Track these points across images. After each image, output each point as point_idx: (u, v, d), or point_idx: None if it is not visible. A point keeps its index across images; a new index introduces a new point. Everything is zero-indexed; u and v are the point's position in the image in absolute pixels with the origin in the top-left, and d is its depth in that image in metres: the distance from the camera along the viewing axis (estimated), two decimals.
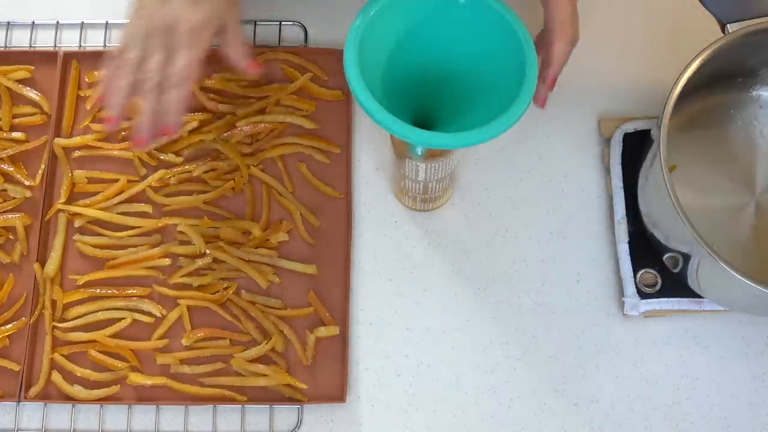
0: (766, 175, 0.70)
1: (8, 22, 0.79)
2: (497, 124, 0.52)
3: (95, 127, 0.75)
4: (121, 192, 0.73)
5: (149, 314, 0.70)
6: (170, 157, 0.74)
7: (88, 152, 0.75)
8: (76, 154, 0.75)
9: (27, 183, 0.74)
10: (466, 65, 0.58)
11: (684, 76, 0.62)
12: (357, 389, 0.69)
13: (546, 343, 0.69)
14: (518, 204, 0.73)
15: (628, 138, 0.72)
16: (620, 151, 0.72)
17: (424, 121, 0.59)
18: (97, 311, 0.70)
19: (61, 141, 0.74)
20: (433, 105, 0.60)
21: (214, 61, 0.76)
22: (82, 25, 0.79)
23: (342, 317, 0.70)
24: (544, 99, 0.65)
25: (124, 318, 0.70)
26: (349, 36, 0.53)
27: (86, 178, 0.74)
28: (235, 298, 0.70)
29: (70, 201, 0.73)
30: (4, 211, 0.73)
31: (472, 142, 0.52)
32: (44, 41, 0.79)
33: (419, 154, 0.60)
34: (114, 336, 0.70)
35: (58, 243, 0.72)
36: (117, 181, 0.73)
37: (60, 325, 0.70)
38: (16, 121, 0.76)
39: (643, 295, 0.69)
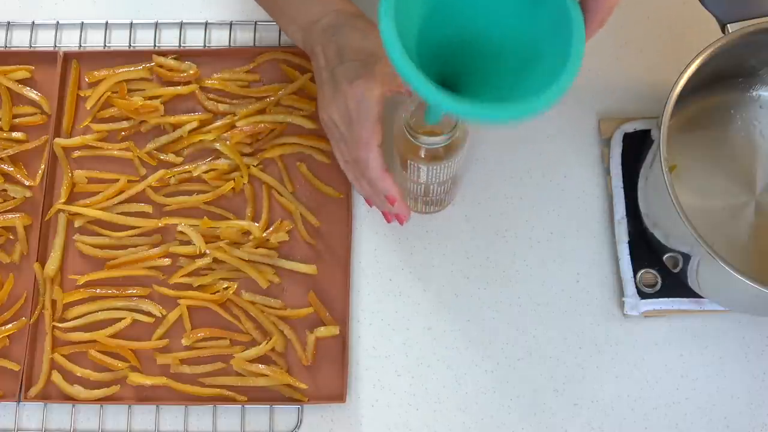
0: (766, 175, 0.70)
1: (8, 22, 0.79)
2: (545, 96, 0.46)
3: (95, 127, 0.75)
4: (121, 192, 0.73)
5: (149, 314, 0.70)
6: (170, 157, 0.74)
7: (88, 152, 0.75)
8: (76, 154, 0.75)
9: (27, 183, 0.74)
10: (504, 39, 0.52)
11: (684, 76, 0.62)
12: (357, 389, 0.69)
13: (546, 343, 0.69)
14: (518, 204, 0.73)
15: (628, 138, 0.72)
16: (620, 151, 0.72)
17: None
18: (97, 311, 0.70)
19: (61, 141, 0.74)
20: (459, 82, 0.54)
21: (215, 60, 0.77)
22: (82, 25, 0.79)
23: (342, 317, 0.70)
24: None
25: (124, 318, 0.70)
26: (383, 4, 0.47)
27: (86, 178, 0.74)
28: (235, 298, 0.70)
29: (70, 201, 0.73)
30: (4, 211, 0.73)
31: (515, 116, 0.46)
32: (44, 41, 0.79)
33: (436, 121, 0.57)
34: (114, 336, 0.70)
35: (58, 243, 0.72)
36: (117, 181, 0.73)
37: (60, 325, 0.70)
38: (16, 121, 0.76)
39: (643, 295, 0.69)
